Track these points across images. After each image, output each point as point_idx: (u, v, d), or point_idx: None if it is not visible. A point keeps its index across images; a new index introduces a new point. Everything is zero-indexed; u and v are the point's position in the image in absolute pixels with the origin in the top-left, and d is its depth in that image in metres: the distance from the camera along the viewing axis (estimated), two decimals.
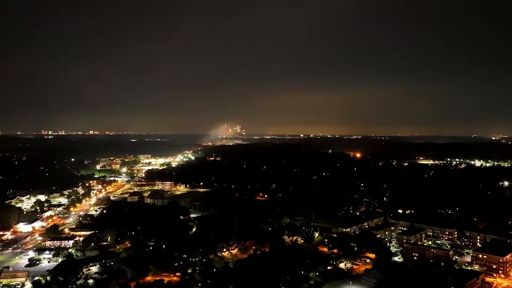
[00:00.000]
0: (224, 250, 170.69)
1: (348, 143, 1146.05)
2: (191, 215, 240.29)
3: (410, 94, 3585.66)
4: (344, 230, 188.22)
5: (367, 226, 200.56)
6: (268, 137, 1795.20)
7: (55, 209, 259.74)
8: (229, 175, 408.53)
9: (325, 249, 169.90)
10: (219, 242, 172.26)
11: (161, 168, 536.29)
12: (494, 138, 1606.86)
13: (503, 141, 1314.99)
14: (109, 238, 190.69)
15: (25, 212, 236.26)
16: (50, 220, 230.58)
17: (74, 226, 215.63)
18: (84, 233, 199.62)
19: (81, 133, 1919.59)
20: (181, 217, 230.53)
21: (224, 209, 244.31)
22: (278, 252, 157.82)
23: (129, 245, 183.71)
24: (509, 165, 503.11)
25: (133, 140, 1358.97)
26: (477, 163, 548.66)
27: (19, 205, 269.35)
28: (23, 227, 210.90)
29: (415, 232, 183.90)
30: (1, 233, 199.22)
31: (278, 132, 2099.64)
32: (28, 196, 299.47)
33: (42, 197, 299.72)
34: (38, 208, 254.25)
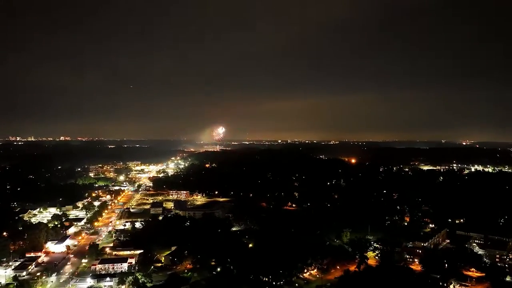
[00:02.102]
0: (305, 271, 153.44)
1: (332, 149, 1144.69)
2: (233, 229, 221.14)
3: (381, 100, 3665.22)
4: (423, 244, 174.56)
5: (440, 240, 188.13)
6: (247, 143, 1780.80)
7: (76, 223, 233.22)
8: (239, 183, 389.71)
9: (415, 268, 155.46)
10: (297, 262, 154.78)
11: (160, 176, 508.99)
12: (465, 143, 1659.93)
13: (477, 146, 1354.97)
14: (163, 258, 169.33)
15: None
16: (79, 238, 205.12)
17: (112, 245, 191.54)
18: (128, 252, 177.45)
19: (51, 139, 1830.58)
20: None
21: (268, 222, 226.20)
22: (372, 273, 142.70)
23: (189, 266, 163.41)
24: (510, 171, 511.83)
25: (111, 146, 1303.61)
26: (476, 168, 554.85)
27: (32, 219, 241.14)
28: (53, 247, 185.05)
29: (499, 244, 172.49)
30: (33, 254, 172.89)
31: (256, 138, 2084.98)
32: (39, 209, 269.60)
33: (53, 210, 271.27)
34: (56, 223, 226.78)
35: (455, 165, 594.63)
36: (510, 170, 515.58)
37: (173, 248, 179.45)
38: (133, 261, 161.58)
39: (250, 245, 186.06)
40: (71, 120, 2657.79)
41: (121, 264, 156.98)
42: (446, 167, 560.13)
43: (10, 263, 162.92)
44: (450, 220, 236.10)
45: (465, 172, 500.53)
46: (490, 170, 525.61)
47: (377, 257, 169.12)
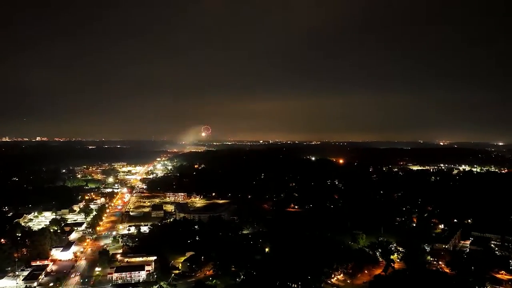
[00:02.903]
0: (332, 276, 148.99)
1: (315, 149, 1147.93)
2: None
3: (358, 103, 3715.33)
4: (444, 246, 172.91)
5: (456, 241, 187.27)
6: (229, 143, 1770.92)
7: (76, 228, 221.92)
8: (235, 184, 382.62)
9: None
10: (323, 267, 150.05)
11: (150, 177, 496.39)
12: (442, 143, 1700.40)
13: (455, 146, 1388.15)
14: (180, 265, 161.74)
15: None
16: (85, 244, 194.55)
17: (121, 251, 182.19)
18: (141, 259, 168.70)
19: (27, 139, 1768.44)
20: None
21: (276, 225, 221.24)
22: (402, 277, 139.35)
23: (208, 272, 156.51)
24: (496, 170, 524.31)
25: (92, 147, 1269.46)
26: (464, 168, 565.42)
27: (29, 224, 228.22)
28: (59, 254, 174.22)
29: None
30: (39, 263, 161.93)
31: (237, 138, 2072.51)
32: (33, 214, 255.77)
33: (48, 214, 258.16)
34: (56, 228, 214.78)
35: (442, 165, 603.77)
36: (497, 170, 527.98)
37: (187, 254, 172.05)
38: (149, 268, 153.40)
39: (266, 249, 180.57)
40: (46, 120, 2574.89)
41: (139, 272, 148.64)
42: (435, 167, 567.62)
43: (17, 273, 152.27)
44: (456, 220, 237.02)
45: (454, 172, 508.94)
46: (478, 170, 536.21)
47: (399, 260, 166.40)
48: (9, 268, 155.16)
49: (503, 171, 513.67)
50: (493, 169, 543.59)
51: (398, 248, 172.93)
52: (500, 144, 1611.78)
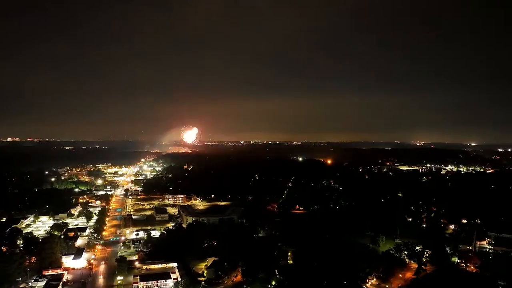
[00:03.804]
0: (367, 281, 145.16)
1: (298, 150, 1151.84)
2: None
3: (337, 104, 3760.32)
4: (468, 247, 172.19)
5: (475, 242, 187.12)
6: (210, 144, 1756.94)
7: (81, 234, 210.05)
8: (232, 185, 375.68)
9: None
10: (357, 271, 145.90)
11: (138, 178, 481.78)
12: (418, 144, 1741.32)
13: (432, 146, 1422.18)
14: (205, 272, 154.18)
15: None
16: (95, 250, 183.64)
17: (136, 257, 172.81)
18: (160, 266, 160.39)
19: None
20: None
21: (288, 227, 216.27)
22: (438, 280, 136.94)
23: (235, 279, 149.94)
24: (482, 170, 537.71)
25: (69, 148, 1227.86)
26: (450, 168, 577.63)
27: (27, 230, 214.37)
28: (71, 262, 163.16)
29: None
30: (51, 272, 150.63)
31: (218, 139, 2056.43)
32: (30, 218, 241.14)
33: (45, 219, 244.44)
34: (59, 234, 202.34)
35: (428, 165, 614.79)
36: (482, 170, 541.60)
37: (208, 260, 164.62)
38: (176, 276, 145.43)
39: (289, 253, 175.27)
40: (17, 120, 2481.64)
41: (165, 281, 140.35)
42: (424, 167, 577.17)
43: (30, 284, 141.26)
44: (465, 221, 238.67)
45: (443, 172, 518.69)
46: (464, 170, 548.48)
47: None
48: (20, 279, 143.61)
49: (488, 171, 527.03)
50: (478, 169, 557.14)
51: (425, 250, 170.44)
52: (473, 144, 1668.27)
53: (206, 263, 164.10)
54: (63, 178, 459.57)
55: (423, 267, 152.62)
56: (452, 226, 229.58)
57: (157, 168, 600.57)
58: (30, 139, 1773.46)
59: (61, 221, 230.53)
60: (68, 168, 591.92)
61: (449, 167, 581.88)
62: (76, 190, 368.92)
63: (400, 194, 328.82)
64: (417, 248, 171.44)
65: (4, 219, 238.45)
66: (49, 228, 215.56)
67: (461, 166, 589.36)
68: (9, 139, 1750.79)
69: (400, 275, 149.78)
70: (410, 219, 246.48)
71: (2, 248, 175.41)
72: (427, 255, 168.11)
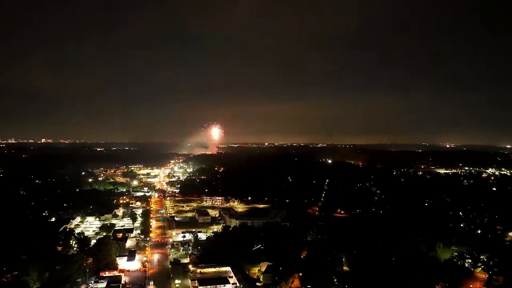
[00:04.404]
0: None
1: (325, 152, 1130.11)
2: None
3: (362, 107, 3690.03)
4: None
5: None
6: (235, 146, 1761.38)
7: (128, 235, 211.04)
8: (266, 187, 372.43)
9: None
10: (423, 280, 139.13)
11: (171, 180, 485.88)
12: (448, 146, 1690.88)
13: (464, 148, 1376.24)
14: (262, 276, 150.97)
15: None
16: (147, 253, 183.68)
17: (187, 260, 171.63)
18: (213, 270, 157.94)
19: (32, 141, 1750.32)
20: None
21: (333, 231, 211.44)
22: None
23: (292, 285, 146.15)
24: None
25: (100, 149, 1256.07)
26: (492, 171, 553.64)
27: (77, 230, 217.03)
28: (126, 264, 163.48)
29: None
30: (107, 273, 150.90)
31: (241, 140, 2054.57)
32: (77, 219, 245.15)
33: (91, 219, 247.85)
34: (108, 234, 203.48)
35: (466, 168, 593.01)
36: None
37: (262, 264, 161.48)
38: (234, 280, 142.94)
39: (343, 259, 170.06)
40: (50, 122, 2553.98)
41: (224, 286, 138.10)
42: (462, 170, 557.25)
43: (91, 285, 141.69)
44: None
45: (484, 175, 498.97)
46: (508, 173, 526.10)
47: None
48: (80, 280, 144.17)
49: None
50: None
51: (494, 259, 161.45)
52: (508, 146, 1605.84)
53: (259, 268, 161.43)
54: (100, 179, 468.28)
55: (494, 277, 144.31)
56: (511, 234, 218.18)
57: (188, 170, 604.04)
58: (62, 140, 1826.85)
59: (107, 222, 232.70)
60: (102, 169, 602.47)
61: (489, 170, 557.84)
62: (116, 191, 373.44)
63: (447, 199, 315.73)
64: (482, 256, 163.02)
65: (53, 219, 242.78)
66: (97, 229, 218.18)
67: (503, 169, 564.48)
68: (43, 140, 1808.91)
69: (471, 286, 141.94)
70: (462, 225, 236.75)
71: (58, 247, 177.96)
72: (492, 263, 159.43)
